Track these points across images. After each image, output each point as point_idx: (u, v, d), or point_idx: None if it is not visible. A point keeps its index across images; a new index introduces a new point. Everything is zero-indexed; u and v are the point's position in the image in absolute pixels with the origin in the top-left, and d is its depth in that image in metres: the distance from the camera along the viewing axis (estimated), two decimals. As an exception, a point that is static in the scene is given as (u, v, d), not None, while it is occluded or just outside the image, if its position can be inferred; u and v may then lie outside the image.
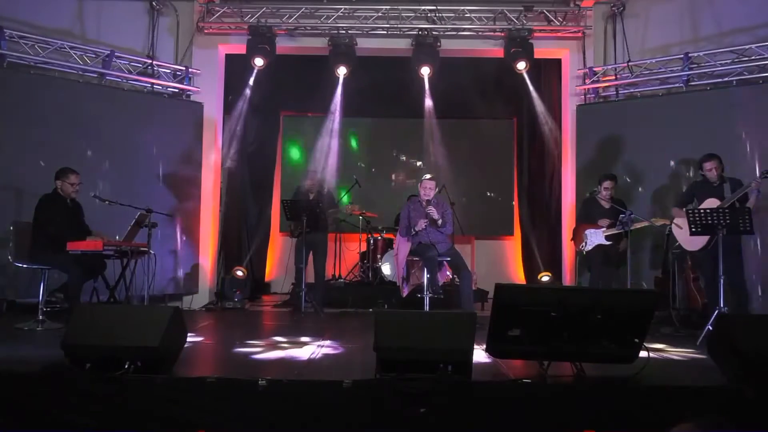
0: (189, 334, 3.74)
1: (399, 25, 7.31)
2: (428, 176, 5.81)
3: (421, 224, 5.63)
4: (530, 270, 8.14)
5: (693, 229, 4.79)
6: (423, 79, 7.56)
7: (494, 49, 7.37)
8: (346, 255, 8.10)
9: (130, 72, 6.96)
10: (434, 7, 7.30)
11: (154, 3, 7.15)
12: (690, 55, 6.54)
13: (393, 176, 9.03)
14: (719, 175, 5.13)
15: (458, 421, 2.97)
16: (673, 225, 5.31)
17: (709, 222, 4.69)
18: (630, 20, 7.14)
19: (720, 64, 6.42)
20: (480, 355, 3.40)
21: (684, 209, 5.03)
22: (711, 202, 5.03)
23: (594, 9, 7.24)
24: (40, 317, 4.90)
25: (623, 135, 6.80)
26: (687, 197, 5.36)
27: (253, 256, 7.99)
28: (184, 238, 7.04)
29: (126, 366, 3.07)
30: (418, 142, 8.51)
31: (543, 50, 7.33)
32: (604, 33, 7.31)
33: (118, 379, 3.02)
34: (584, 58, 7.27)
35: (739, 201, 4.94)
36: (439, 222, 5.64)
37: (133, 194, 6.28)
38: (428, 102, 7.97)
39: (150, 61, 7.02)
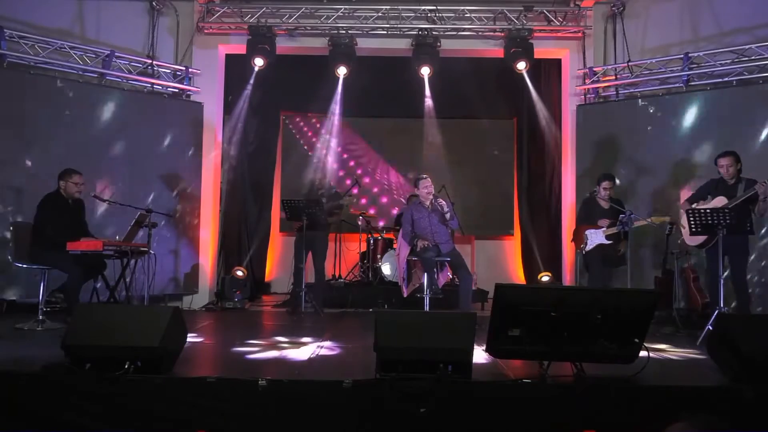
0: (189, 334, 3.73)
1: (399, 25, 7.31)
2: (424, 175, 5.85)
3: (422, 244, 5.67)
4: (530, 270, 8.14)
5: (693, 229, 4.78)
6: (423, 79, 7.56)
7: (494, 49, 7.37)
8: (346, 255, 8.10)
9: (130, 72, 6.96)
10: (434, 7, 7.30)
11: (154, 3, 7.14)
12: (690, 55, 6.54)
13: (393, 176, 9.02)
14: (734, 174, 5.01)
15: (458, 421, 2.97)
16: (679, 221, 5.28)
17: (710, 222, 4.68)
18: (630, 20, 7.14)
19: (720, 64, 6.42)
20: (480, 355, 3.40)
21: (689, 206, 5.03)
22: (717, 201, 5.00)
23: (594, 9, 7.24)
24: (40, 317, 4.90)
25: (623, 135, 6.80)
26: (699, 194, 5.30)
27: (253, 256, 7.98)
28: (184, 238, 7.04)
29: (126, 366, 3.06)
30: (418, 142, 8.52)
31: (543, 50, 7.33)
32: (604, 33, 7.31)
33: (118, 379, 3.02)
34: (584, 58, 7.27)
35: (748, 202, 4.87)
36: (447, 216, 5.65)
37: (133, 194, 6.29)
38: (428, 102, 7.98)
39: (150, 61, 7.02)
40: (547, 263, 7.78)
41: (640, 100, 6.87)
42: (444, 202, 5.65)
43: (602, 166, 6.65)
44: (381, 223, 8.50)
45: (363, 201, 8.45)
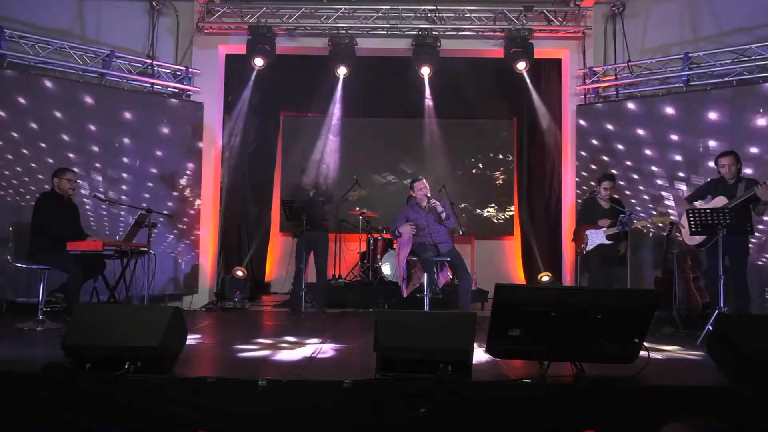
0: (189, 334, 3.73)
1: (399, 25, 7.31)
2: (419, 177, 5.88)
3: (406, 228, 5.65)
4: (530, 270, 8.14)
5: (693, 229, 4.78)
6: (423, 79, 7.56)
7: (494, 49, 7.37)
8: (346, 255, 8.09)
9: (130, 72, 6.96)
10: (434, 7, 7.30)
11: (154, 3, 7.15)
12: (690, 55, 6.54)
13: (393, 176, 9.02)
14: (734, 174, 5.02)
15: (458, 421, 2.97)
16: (679, 221, 5.29)
17: (710, 222, 4.69)
18: (630, 20, 7.14)
19: (720, 64, 6.42)
20: (480, 355, 3.40)
21: (689, 206, 5.04)
22: (718, 201, 5.01)
23: (594, 9, 7.24)
24: (40, 317, 4.90)
25: (623, 135, 6.80)
26: (700, 193, 5.32)
27: (253, 256, 7.99)
28: (184, 238, 7.04)
29: (126, 366, 3.07)
30: (418, 142, 8.52)
31: (543, 50, 7.33)
32: (604, 33, 7.31)
33: (118, 379, 3.02)
34: (584, 58, 7.27)
35: (748, 202, 4.87)
36: (443, 216, 5.65)
37: (133, 194, 6.29)
38: (428, 102, 7.99)
39: (150, 61, 7.02)
40: (547, 263, 7.78)
41: (640, 100, 6.87)
42: (438, 203, 5.65)
43: (602, 166, 6.65)
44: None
45: (362, 201, 8.42)
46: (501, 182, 8.88)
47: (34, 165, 6.11)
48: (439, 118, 8.18)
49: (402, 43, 7.38)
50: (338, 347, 4.36)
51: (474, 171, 8.79)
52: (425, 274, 5.61)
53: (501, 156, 8.90)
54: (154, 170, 6.86)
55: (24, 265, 5.12)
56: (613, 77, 7.09)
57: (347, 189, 8.14)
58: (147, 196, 6.68)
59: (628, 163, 6.75)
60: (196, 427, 2.93)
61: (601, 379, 3.22)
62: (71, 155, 6.32)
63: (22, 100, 6.14)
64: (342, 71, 7.31)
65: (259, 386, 3.00)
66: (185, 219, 7.05)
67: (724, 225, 4.64)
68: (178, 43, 7.34)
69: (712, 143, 6.16)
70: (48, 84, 6.33)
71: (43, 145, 6.20)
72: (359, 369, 3.40)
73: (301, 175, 6.72)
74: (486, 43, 7.43)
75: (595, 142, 6.99)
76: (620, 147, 6.81)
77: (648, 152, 6.64)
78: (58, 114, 6.32)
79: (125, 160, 6.69)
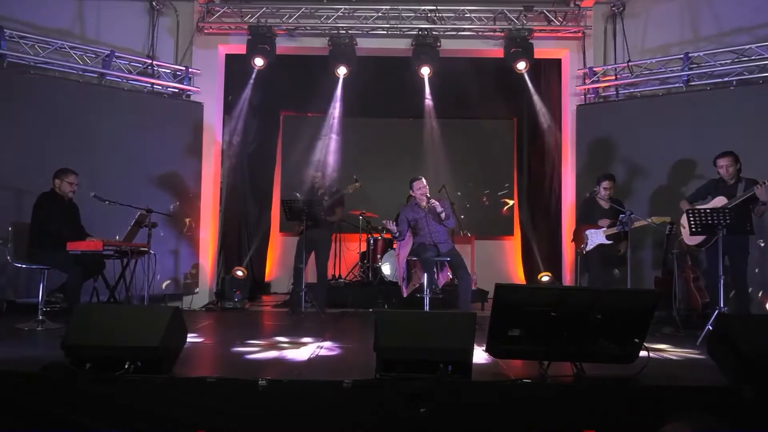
0: (189, 334, 3.73)
1: (399, 25, 7.32)
2: (418, 176, 5.81)
3: (389, 224, 5.65)
4: (530, 270, 8.14)
5: (693, 229, 4.79)
6: (423, 79, 7.56)
7: (494, 49, 7.38)
8: (346, 255, 8.10)
9: (130, 72, 6.96)
10: (434, 7, 7.30)
11: (154, 3, 7.15)
12: (690, 55, 6.54)
13: (392, 176, 9.01)
14: (734, 174, 5.04)
15: (458, 421, 2.97)
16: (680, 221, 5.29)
17: (709, 222, 4.69)
18: (630, 20, 7.14)
19: (720, 64, 6.42)
20: (480, 355, 3.40)
21: (689, 206, 5.04)
22: (717, 201, 5.02)
23: (594, 9, 7.24)
24: (40, 317, 4.90)
25: (623, 135, 6.80)
26: (699, 193, 5.33)
27: (253, 256, 7.99)
28: (184, 238, 7.04)
29: (126, 366, 3.07)
30: (418, 142, 8.51)
31: (543, 50, 7.33)
32: (604, 33, 7.31)
33: (118, 379, 3.02)
34: (584, 58, 7.27)
35: (748, 202, 4.87)
36: (443, 215, 5.65)
37: (133, 194, 6.28)
38: (428, 102, 7.99)
39: (150, 61, 7.02)
40: (547, 263, 7.78)
41: (640, 100, 6.87)
42: (437, 202, 5.63)
43: (602, 166, 6.65)
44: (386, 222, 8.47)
45: (362, 201, 8.44)
46: (501, 182, 8.87)
47: (33, 165, 6.09)
48: (439, 118, 8.18)
49: (402, 43, 7.38)
50: (338, 347, 4.36)
51: (474, 171, 8.78)
52: (425, 274, 5.61)
53: (501, 156, 8.89)
54: (154, 170, 6.85)
55: (24, 265, 5.12)
56: (613, 77, 7.09)
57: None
58: (147, 195, 6.65)
59: (628, 163, 6.74)
60: (196, 427, 2.93)
61: (601, 379, 3.22)
62: (71, 155, 6.28)
63: (21, 100, 6.13)
64: (342, 71, 7.31)
65: (259, 386, 2.99)
66: (185, 219, 7.05)
67: (723, 225, 4.64)
68: (178, 43, 7.34)
69: (712, 143, 6.14)
70: (48, 84, 6.32)
71: (42, 145, 6.19)
72: (359, 369, 3.40)
73: (314, 171, 6.73)
74: (486, 43, 7.43)
75: (594, 142, 6.98)
76: (620, 147, 6.81)
77: (648, 152, 6.63)
78: (57, 114, 6.31)
79: (125, 160, 6.67)
